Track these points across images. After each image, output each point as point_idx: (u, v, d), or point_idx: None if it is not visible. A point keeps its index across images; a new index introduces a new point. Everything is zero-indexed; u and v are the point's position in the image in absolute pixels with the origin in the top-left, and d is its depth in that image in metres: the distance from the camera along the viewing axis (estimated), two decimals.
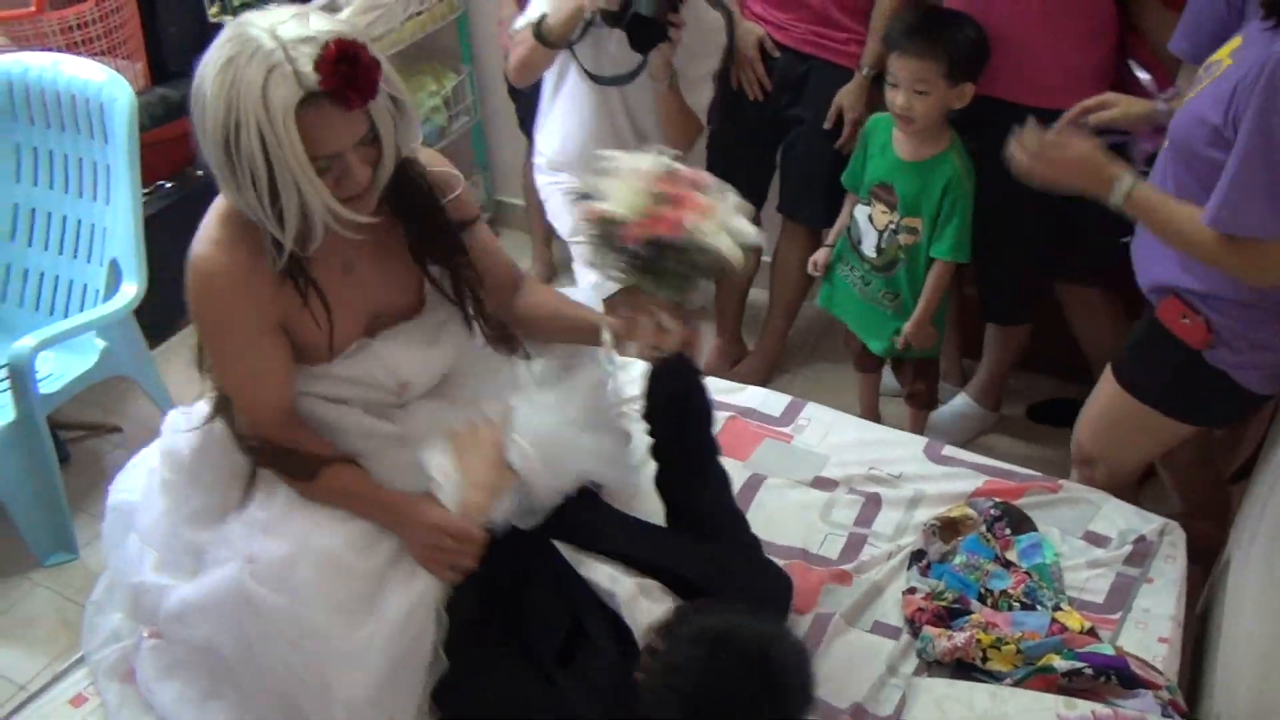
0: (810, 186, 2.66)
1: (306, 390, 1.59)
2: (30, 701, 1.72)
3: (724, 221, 1.52)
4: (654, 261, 1.51)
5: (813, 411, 2.18)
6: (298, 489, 1.56)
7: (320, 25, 1.32)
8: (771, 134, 2.73)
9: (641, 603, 1.58)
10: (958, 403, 2.85)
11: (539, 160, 2.68)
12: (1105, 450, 2.04)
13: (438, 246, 1.58)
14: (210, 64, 1.32)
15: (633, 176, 1.52)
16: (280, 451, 1.55)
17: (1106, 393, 1.97)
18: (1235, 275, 1.64)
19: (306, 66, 1.28)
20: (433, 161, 1.60)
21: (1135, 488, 2.19)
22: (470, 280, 1.62)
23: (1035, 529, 1.84)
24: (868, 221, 2.41)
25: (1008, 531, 1.82)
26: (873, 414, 2.78)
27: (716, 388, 2.23)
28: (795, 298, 2.92)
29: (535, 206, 3.43)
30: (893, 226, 2.36)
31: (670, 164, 1.55)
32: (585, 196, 1.55)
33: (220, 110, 1.29)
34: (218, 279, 1.44)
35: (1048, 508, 1.91)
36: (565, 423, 1.68)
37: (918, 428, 2.66)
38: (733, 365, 3.08)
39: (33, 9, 2.76)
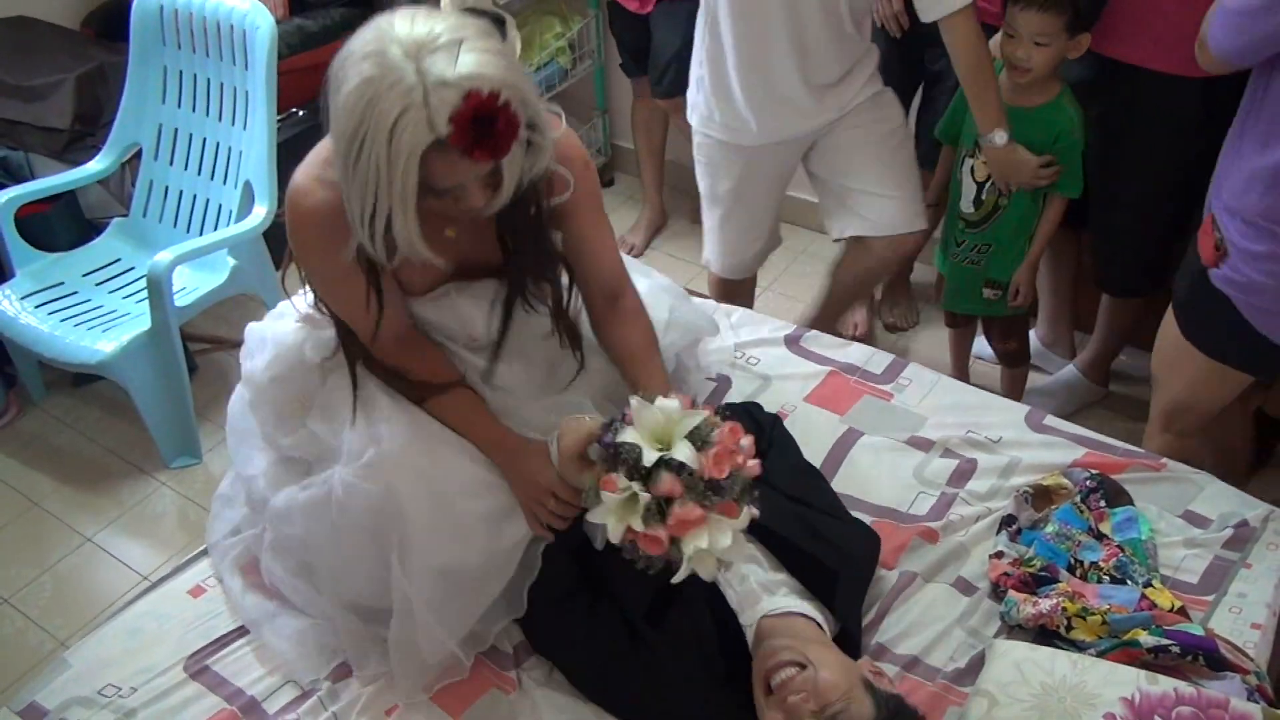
0: None
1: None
2: (152, 590, 1.84)
3: (711, 546, 1.38)
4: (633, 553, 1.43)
5: (914, 372, 2.17)
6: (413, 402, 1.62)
7: (469, 62, 1.26)
8: (906, 82, 2.70)
9: (738, 566, 1.62)
10: (1065, 374, 2.80)
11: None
12: (1158, 370, 2.10)
13: (528, 248, 1.56)
14: (350, 68, 1.29)
15: (634, 477, 1.38)
16: (391, 373, 1.61)
17: (1167, 314, 2.03)
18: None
19: (442, 115, 1.24)
20: (564, 148, 1.53)
21: (1205, 444, 2.17)
22: (549, 279, 1.61)
23: (1132, 503, 1.82)
24: (969, 175, 2.39)
25: (1103, 504, 1.80)
26: (963, 372, 2.79)
27: (820, 343, 2.25)
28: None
29: (645, 149, 3.45)
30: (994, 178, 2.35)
31: (703, 433, 1.40)
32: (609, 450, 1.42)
33: (350, 123, 1.28)
34: (317, 215, 1.45)
35: (1148, 484, 1.88)
36: None
37: (1014, 388, 2.67)
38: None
39: None
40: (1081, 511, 1.79)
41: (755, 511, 1.44)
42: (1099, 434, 2.02)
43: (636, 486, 1.38)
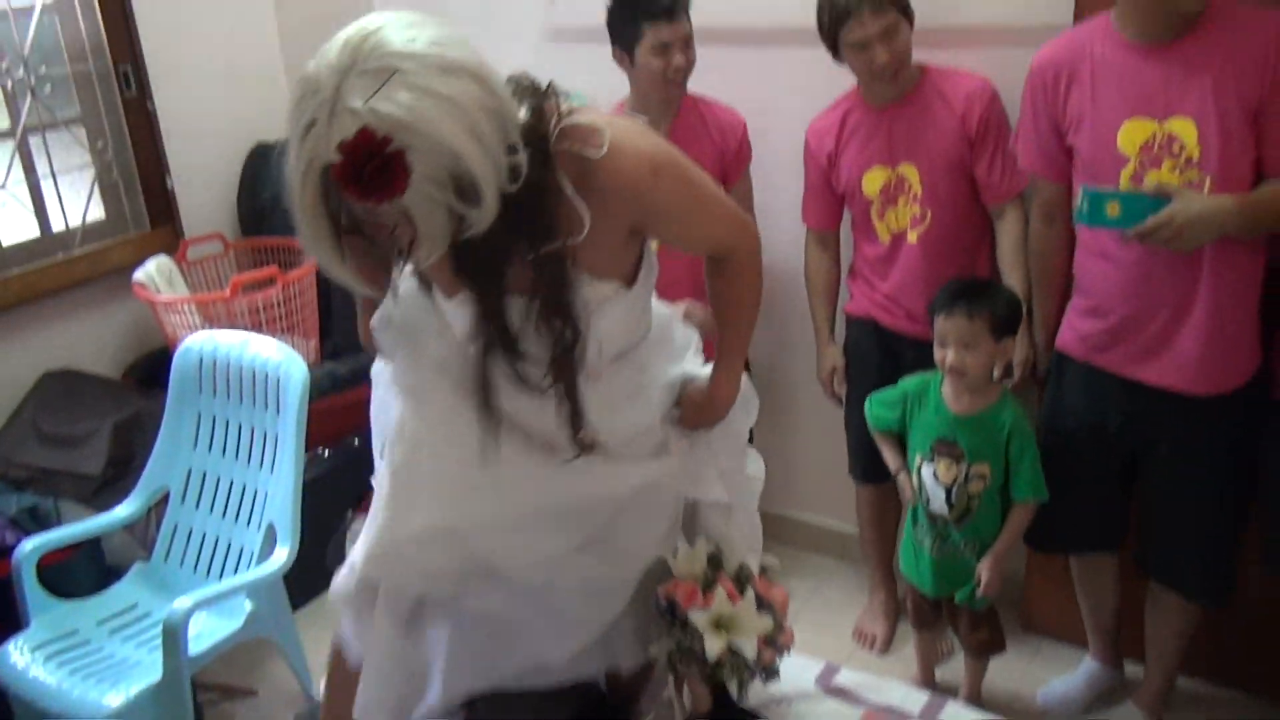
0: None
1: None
2: None
3: (737, 629, 1.66)
4: (665, 617, 1.69)
5: (954, 710, 2.07)
6: None
7: (388, 99, 1.19)
8: None
9: None
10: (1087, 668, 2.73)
11: None
12: None
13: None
14: (322, 49, 1.27)
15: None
16: None
17: None
18: None
19: (334, 141, 1.20)
20: (609, 175, 1.43)
21: None
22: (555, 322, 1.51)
23: None
24: (933, 479, 2.45)
25: None
26: (929, 673, 2.77)
27: (855, 681, 2.15)
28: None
29: None
30: (961, 478, 2.41)
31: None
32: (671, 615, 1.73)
33: (290, 104, 1.26)
34: None
35: None
36: None
37: (976, 680, 2.64)
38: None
39: (228, 294, 3.07)
40: None
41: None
42: None
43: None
